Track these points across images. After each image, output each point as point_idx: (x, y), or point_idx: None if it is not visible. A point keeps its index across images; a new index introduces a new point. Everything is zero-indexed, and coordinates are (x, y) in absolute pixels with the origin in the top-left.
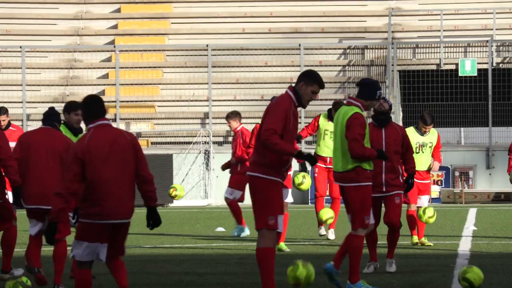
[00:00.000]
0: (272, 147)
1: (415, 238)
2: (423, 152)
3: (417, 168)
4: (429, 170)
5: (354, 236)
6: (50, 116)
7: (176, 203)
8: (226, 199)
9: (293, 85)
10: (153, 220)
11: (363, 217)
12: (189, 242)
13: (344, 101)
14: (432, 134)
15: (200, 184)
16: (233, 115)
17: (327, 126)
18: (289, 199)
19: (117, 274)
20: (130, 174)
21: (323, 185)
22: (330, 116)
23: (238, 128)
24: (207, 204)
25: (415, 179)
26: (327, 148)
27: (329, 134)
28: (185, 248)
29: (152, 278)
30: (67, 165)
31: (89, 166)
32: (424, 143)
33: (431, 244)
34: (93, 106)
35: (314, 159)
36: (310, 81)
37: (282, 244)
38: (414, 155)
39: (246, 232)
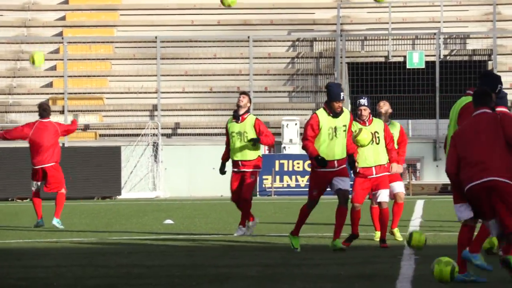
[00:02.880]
0: None
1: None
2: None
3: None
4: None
5: None
6: None
7: (124, 195)
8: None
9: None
10: None
11: None
12: (137, 235)
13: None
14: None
15: (148, 176)
16: None
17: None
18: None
19: None
20: None
21: None
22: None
23: None
24: (156, 196)
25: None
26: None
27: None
28: (134, 240)
29: (100, 271)
30: None
31: None
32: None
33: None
34: None
35: None
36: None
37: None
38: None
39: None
